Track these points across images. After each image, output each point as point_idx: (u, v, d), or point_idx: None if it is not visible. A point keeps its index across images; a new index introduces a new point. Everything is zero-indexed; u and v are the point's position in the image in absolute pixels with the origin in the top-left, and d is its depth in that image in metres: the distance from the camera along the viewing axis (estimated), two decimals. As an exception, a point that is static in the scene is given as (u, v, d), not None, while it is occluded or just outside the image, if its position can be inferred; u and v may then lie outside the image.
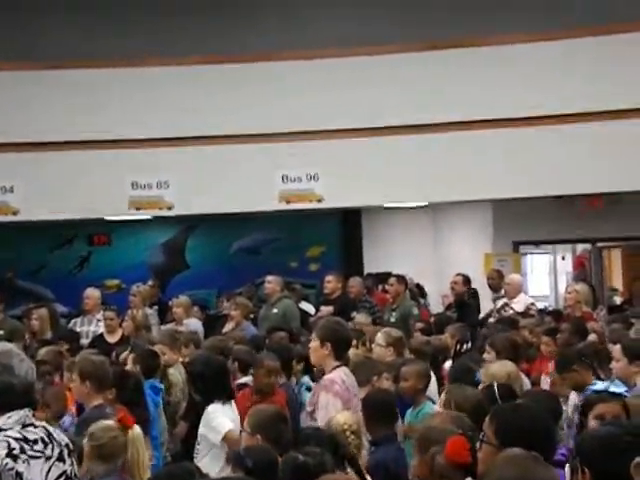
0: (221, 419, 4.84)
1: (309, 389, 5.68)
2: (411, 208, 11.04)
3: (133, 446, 3.63)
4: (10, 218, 10.05)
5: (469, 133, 9.12)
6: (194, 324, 8.64)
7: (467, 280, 9.39)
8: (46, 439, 3.64)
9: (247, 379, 5.77)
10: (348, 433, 3.93)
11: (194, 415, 5.32)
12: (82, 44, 10.29)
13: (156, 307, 9.49)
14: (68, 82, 9.78)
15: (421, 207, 11.12)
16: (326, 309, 8.76)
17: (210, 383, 4.97)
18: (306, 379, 6.00)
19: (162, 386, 5.75)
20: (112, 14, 10.74)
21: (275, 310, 8.68)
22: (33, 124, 9.75)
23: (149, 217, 10.64)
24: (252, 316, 8.94)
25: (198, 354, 5.93)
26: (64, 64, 9.84)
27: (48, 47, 10.30)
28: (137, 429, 3.68)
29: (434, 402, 4.95)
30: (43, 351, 6.36)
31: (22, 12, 10.69)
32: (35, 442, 3.59)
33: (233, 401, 5.07)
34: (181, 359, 6.28)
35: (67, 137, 9.80)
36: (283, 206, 9.58)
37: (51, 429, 3.77)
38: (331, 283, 9.10)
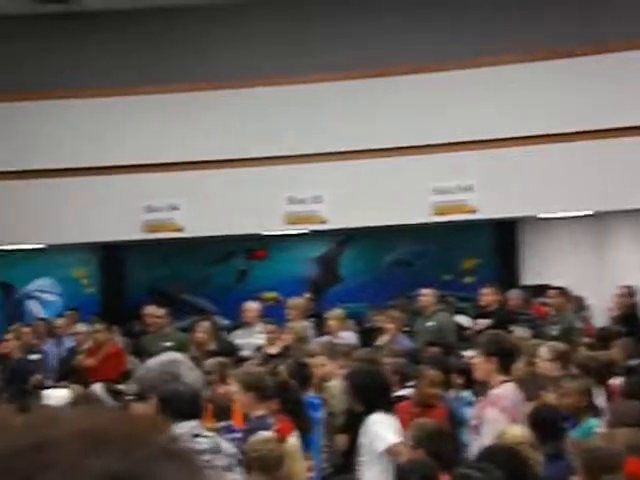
0: (384, 429, 4.84)
1: (470, 403, 5.59)
2: (571, 218, 10.68)
3: (289, 457, 3.68)
4: (176, 234, 10.54)
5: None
6: (349, 336, 8.70)
7: (632, 292, 8.97)
8: (215, 449, 3.74)
9: (406, 391, 5.75)
10: (526, 447, 3.82)
11: (354, 427, 5.35)
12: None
13: (312, 319, 9.63)
14: (226, 103, 10.19)
15: (582, 217, 10.74)
16: (483, 322, 8.61)
17: (372, 394, 4.98)
18: (467, 394, 5.91)
19: (319, 402, 5.81)
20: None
21: (430, 323, 8.61)
22: (195, 144, 10.21)
23: (305, 231, 10.84)
24: (406, 329, 8.91)
25: (359, 365, 5.96)
26: (222, 85, 10.25)
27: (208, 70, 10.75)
28: (293, 440, 3.74)
29: (600, 417, 4.76)
30: (208, 362, 6.59)
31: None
32: (203, 453, 3.69)
33: (394, 413, 5.06)
34: (339, 371, 6.34)
35: (226, 155, 10.19)
36: (437, 218, 9.51)
37: (220, 439, 3.87)
38: (488, 296, 8.94)
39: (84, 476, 0.57)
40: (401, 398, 5.69)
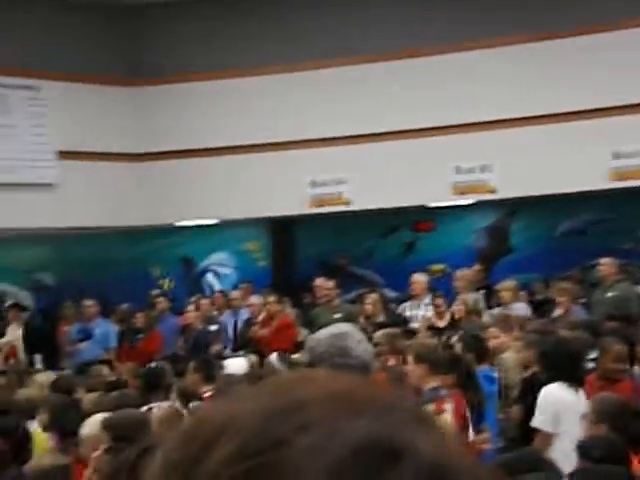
0: (544, 405, 4.69)
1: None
2: None
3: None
4: (343, 208, 10.65)
5: None
6: (522, 308, 8.48)
7: None
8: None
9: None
10: None
11: (529, 398, 5.22)
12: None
13: (482, 291, 9.46)
14: (384, 74, 10.14)
15: None
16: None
17: (561, 363, 4.82)
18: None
19: (496, 375, 5.71)
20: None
21: (611, 294, 8.23)
22: (361, 117, 10.23)
23: (472, 201, 10.64)
24: (583, 301, 8.57)
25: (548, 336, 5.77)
26: (382, 57, 10.20)
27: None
28: (447, 417, 3.66)
29: None
30: (379, 334, 6.62)
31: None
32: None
33: (582, 385, 4.87)
34: (512, 343, 6.20)
35: (390, 127, 10.16)
36: (616, 184, 9.05)
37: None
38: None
39: (343, 438, 0.55)
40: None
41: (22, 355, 10.58)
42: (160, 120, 11.02)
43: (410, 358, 5.02)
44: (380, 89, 10.25)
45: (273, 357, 6.32)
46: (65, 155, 10.42)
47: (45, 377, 7.53)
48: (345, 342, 3.91)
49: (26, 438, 4.54)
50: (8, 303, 11.64)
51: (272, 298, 9.23)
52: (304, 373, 0.64)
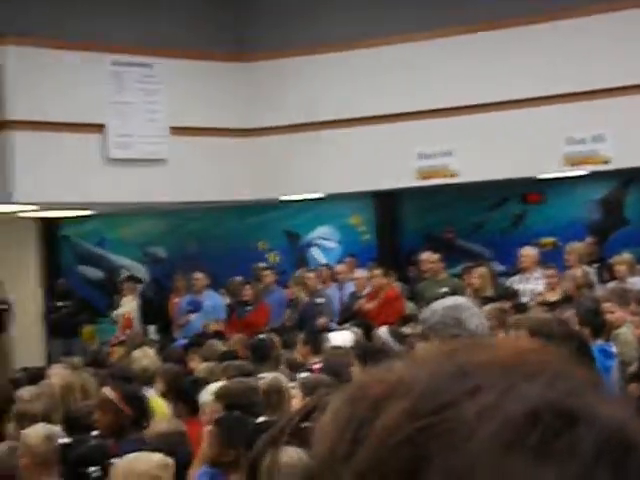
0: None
1: None
2: None
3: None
4: (450, 180, 10.52)
5: None
6: (638, 282, 8.19)
7: None
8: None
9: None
10: None
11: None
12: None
13: (596, 265, 9.19)
14: (500, 43, 9.90)
15: None
16: None
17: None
18: None
19: (613, 349, 5.54)
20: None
21: None
22: (471, 88, 10.05)
23: (585, 173, 10.33)
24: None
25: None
26: (505, 24, 9.95)
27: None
28: None
29: None
30: (487, 308, 6.52)
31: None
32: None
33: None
34: (630, 318, 5.99)
35: (497, 98, 9.94)
36: None
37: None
38: None
39: (515, 401, 0.54)
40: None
41: (137, 326, 10.97)
42: (267, 94, 11.12)
43: (523, 332, 4.93)
44: (489, 59, 10.03)
45: (382, 330, 6.32)
46: (177, 131, 10.67)
47: (158, 348, 7.78)
48: (460, 314, 3.87)
49: (145, 404, 4.71)
50: (123, 275, 12.08)
51: (378, 271, 9.23)
52: (470, 340, 0.63)
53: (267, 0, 11.55)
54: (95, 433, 4.13)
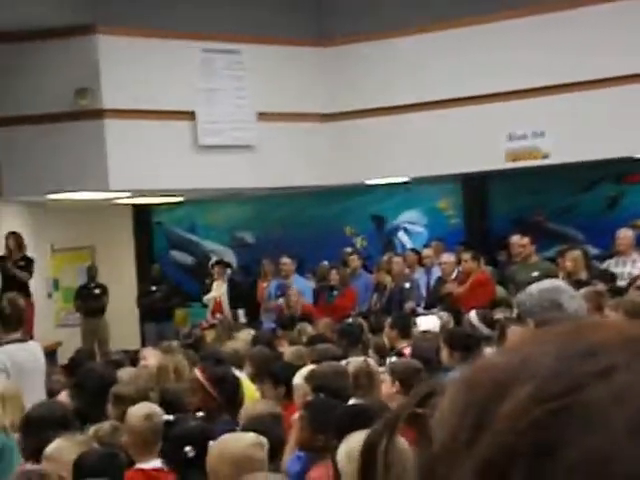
0: None
1: None
2: None
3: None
4: (541, 162, 10.28)
5: None
6: None
7: None
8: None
9: None
10: None
11: None
12: None
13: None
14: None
15: None
16: None
17: None
18: None
19: None
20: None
21: None
22: (560, 67, 9.79)
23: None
24: None
25: None
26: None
27: None
28: None
29: None
30: (582, 291, 6.36)
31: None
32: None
33: None
34: None
35: (589, 76, 9.65)
36: None
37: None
38: None
39: None
40: None
41: (227, 310, 11.15)
42: (351, 78, 11.08)
43: (620, 315, 4.79)
44: (582, 36, 9.73)
45: (471, 314, 6.24)
46: (263, 117, 10.75)
47: (247, 332, 7.88)
48: (557, 296, 3.78)
49: (236, 387, 4.78)
50: (213, 260, 12.29)
51: (468, 255, 9.11)
52: (595, 319, 0.60)
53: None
54: (199, 414, 4.22)
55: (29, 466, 3.60)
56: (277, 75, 10.87)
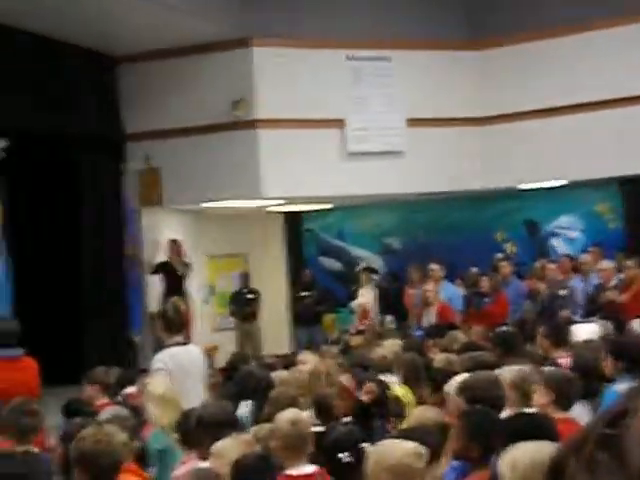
0: None
1: None
2: None
3: None
4: None
5: None
6: None
7: None
8: None
9: None
10: None
11: None
12: None
13: None
14: None
15: None
16: None
17: None
18: None
19: None
20: None
21: None
22: None
23: None
24: None
25: None
26: None
27: None
28: None
29: None
30: None
31: None
32: None
33: None
34: None
35: None
36: None
37: None
38: None
39: None
40: None
41: (375, 316, 11.18)
42: (501, 82, 10.87)
43: None
44: None
45: (636, 323, 5.96)
46: (412, 122, 10.73)
47: (394, 341, 7.87)
48: None
49: (384, 392, 4.79)
50: (361, 266, 12.36)
51: (630, 262, 8.71)
52: None
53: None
54: (346, 419, 4.26)
55: (198, 463, 3.74)
56: (427, 80, 10.82)
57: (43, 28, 9.03)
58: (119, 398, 5.86)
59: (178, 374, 5.09)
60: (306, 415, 4.05)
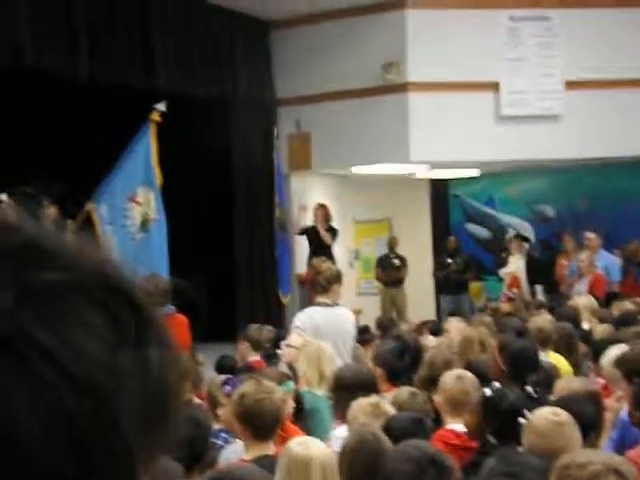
0: None
1: None
2: None
3: None
4: None
5: None
6: None
7: None
8: None
9: None
10: None
11: None
12: None
13: None
14: None
15: None
16: None
17: None
18: None
19: None
20: None
21: None
22: None
23: None
24: None
25: None
26: None
27: None
28: None
29: None
30: None
31: None
32: None
33: None
34: None
35: None
36: None
37: None
38: None
39: None
40: None
41: (524, 285, 10.89)
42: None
43: None
44: None
45: None
46: (571, 85, 10.29)
47: (549, 308, 7.64)
48: None
49: (526, 359, 4.70)
50: (511, 234, 12.07)
51: None
52: None
53: None
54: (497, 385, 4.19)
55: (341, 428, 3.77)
56: (591, 40, 10.31)
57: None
58: (274, 356, 5.98)
59: (313, 334, 5.12)
60: (469, 374, 4.04)
